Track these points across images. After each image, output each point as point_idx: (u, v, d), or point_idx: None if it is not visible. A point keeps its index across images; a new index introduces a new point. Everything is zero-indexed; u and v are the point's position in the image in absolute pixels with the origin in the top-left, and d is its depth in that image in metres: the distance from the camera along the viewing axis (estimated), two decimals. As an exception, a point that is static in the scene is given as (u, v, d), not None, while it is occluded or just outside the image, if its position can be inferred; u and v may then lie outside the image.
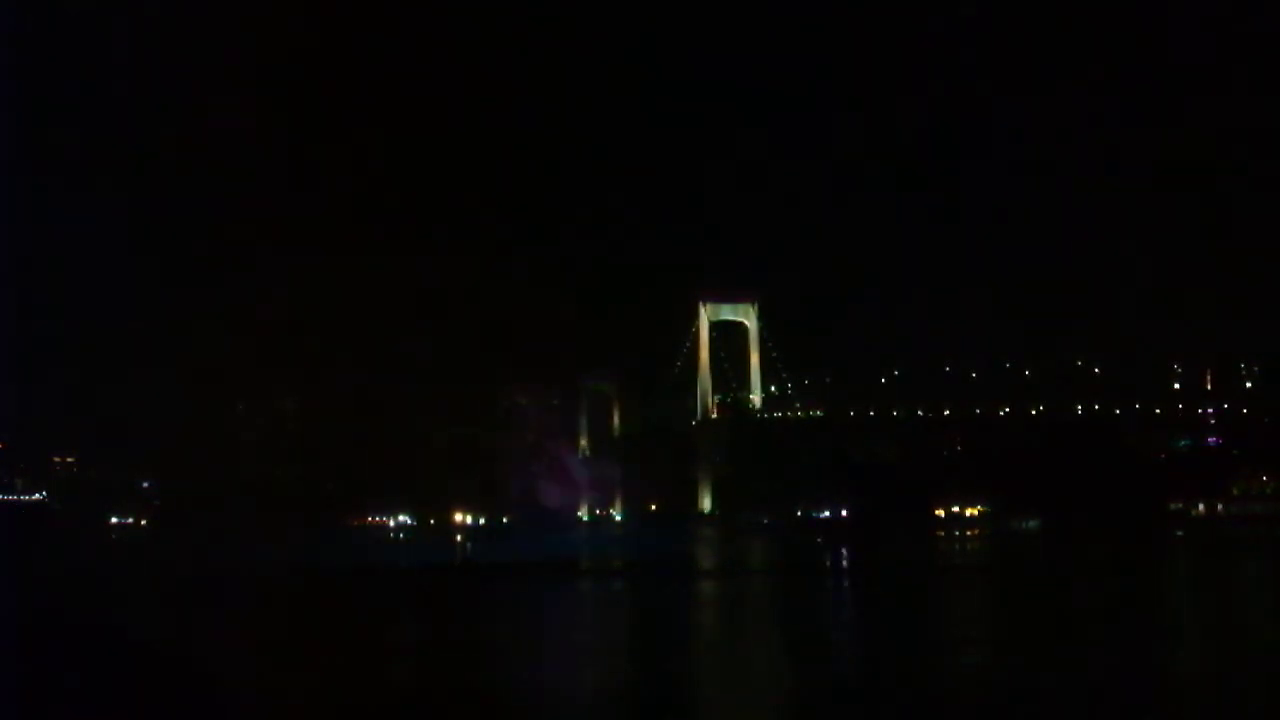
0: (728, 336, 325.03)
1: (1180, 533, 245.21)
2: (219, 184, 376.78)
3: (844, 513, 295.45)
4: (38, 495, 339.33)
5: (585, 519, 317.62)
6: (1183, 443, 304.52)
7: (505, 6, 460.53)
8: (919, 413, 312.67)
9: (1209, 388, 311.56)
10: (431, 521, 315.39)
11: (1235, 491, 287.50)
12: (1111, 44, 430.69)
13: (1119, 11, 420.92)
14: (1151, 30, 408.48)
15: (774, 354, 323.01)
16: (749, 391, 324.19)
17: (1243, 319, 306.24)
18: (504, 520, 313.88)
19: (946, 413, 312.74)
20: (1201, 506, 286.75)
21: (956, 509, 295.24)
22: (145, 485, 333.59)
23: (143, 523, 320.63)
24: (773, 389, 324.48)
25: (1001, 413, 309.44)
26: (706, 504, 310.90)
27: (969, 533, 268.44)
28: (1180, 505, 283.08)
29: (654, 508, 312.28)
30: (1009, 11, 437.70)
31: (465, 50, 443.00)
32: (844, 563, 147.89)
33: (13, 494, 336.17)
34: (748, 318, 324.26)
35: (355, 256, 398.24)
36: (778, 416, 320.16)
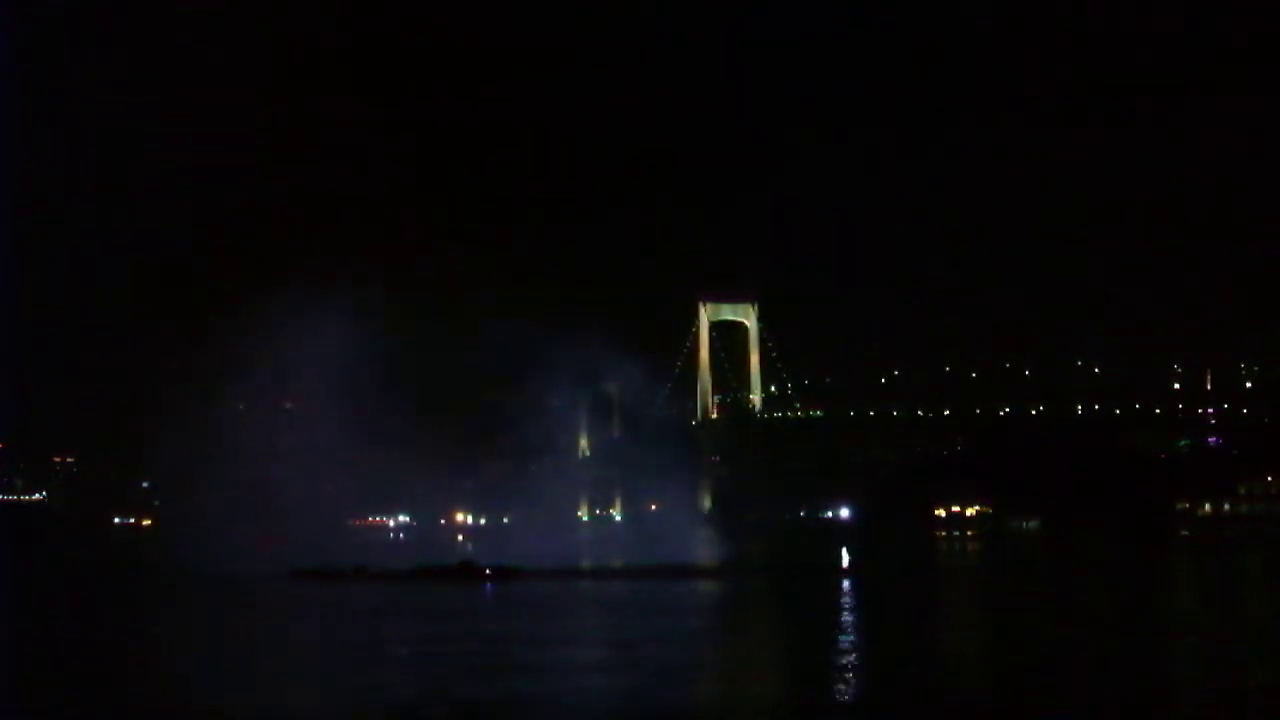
0: (728, 336, 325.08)
1: (1186, 532, 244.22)
2: (220, 183, 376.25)
3: (844, 513, 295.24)
4: (38, 495, 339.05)
5: (585, 519, 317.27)
6: (1183, 443, 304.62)
7: (504, 6, 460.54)
8: (919, 413, 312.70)
9: (1209, 388, 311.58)
10: (442, 521, 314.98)
11: (1241, 491, 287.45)
12: (1109, 47, 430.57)
13: (1120, 12, 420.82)
14: (1154, 33, 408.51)
15: (774, 354, 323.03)
16: (749, 391, 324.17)
17: (1243, 319, 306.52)
18: (504, 520, 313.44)
19: (946, 413, 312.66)
20: (1208, 506, 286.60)
21: (956, 509, 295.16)
22: (145, 485, 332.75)
23: (145, 523, 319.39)
24: (773, 389, 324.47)
25: (1001, 413, 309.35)
26: (706, 504, 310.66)
27: (968, 533, 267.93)
28: (1187, 505, 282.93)
29: (654, 508, 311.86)
30: (1009, 17, 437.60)
31: (465, 48, 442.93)
32: (844, 564, 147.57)
33: (13, 494, 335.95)
34: (748, 318, 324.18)
35: (355, 256, 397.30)
36: (778, 416, 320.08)
